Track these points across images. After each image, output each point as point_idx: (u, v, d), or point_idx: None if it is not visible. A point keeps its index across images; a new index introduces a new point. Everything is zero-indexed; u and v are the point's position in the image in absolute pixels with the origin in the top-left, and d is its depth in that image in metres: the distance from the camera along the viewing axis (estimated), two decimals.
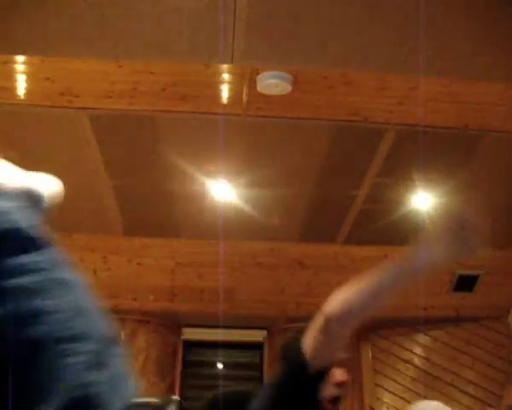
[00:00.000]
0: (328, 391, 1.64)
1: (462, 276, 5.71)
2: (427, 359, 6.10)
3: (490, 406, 5.69)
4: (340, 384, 1.68)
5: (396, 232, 5.28)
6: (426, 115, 3.92)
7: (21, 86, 3.70)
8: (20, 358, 0.62)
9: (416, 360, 6.13)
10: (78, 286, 0.71)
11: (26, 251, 0.66)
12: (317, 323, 1.39)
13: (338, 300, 1.35)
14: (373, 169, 4.48)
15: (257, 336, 6.40)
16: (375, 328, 6.31)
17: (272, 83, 3.54)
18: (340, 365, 1.69)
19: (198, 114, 3.96)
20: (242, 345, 6.48)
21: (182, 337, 6.33)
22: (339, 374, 1.69)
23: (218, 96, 3.79)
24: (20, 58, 3.43)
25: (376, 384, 6.11)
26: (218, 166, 4.47)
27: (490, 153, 4.32)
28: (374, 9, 2.62)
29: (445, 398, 5.84)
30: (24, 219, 0.69)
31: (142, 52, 2.94)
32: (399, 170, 4.52)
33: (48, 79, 3.61)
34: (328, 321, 1.35)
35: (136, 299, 5.84)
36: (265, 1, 2.60)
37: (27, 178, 1.15)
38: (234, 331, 6.31)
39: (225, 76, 3.63)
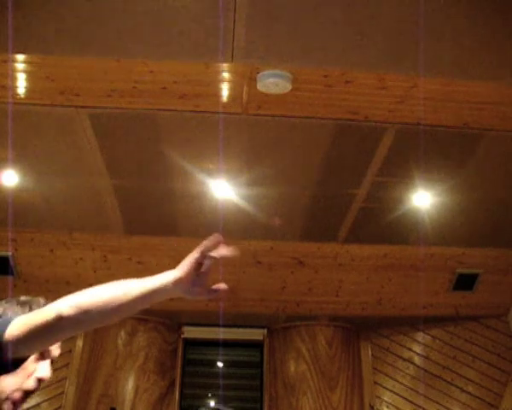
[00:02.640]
0: (25, 383, 1.47)
1: (462, 275, 5.71)
2: (426, 357, 6.11)
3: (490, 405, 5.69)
4: (41, 380, 1.51)
5: (396, 231, 5.29)
6: (425, 114, 3.92)
7: (21, 85, 3.70)
8: None
9: (416, 359, 6.14)
10: None
11: None
12: (44, 315, 1.23)
13: (78, 301, 1.22)
14: (373, 168, 4.49)
15: (257, 334, 6.41)
16: (375, 327, 6.33)
17: (272, 82, 3.54)
18: (45, 357, 1.52)
19: (198, 113, 3.96)
20: (242, 343, 6.50)
21: (182, 336, 6.34)
22: (45, 369, 1.51)
23: (218, 94, 3.79)
24: (20, 57, 3.43)
25: (376, 383, 6.12)
26: (218, 164, 4.47)
27: (489, 151, 4.33)
28: (374, 9, 2.63)
29: (444, 397, 5.86)
30: None
31: (142, 51, 2.95)
32: (399, 169, 4.53)
33: (48, 77, 3.61)
34: (60, 319, 1.20)
35: None
36: (265, 0, 2.60)
37: None
38: (234, 330, 6.32)
39: (225, 75, 3.63)
